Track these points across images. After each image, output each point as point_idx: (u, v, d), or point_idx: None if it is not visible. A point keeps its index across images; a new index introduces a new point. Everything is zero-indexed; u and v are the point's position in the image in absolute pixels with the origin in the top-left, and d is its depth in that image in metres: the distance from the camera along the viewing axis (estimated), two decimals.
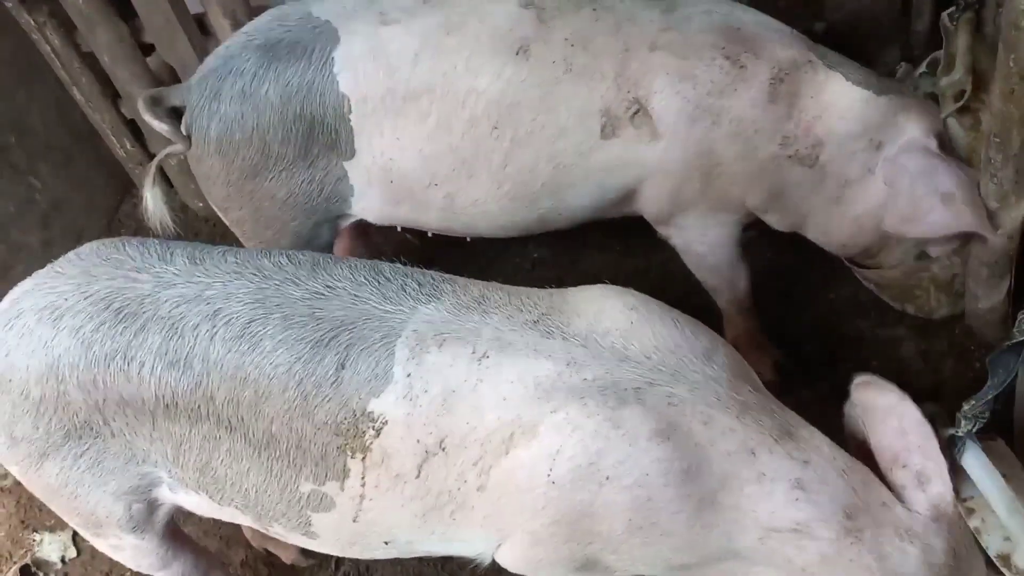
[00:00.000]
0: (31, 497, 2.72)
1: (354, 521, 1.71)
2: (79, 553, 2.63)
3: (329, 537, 1.78)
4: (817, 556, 1.56)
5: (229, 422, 1.67)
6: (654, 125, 2.12)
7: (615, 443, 1.53)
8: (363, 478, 1.65)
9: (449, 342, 1.62)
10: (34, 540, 2.68)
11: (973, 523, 1.58)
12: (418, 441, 1.60)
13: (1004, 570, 1.56)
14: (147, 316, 1.67)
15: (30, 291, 1.74)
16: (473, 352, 1.60)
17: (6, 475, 2.84)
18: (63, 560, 2.64)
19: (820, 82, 2.12)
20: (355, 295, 1.68)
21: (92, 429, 1.72)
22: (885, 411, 1.59)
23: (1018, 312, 1.87)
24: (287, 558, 2.50)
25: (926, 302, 2.44)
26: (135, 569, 2.06)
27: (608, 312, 1.66)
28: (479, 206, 2.25)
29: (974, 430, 1.65)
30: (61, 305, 1.69)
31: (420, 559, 2.44)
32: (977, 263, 2.17)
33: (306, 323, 1.65)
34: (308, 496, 1.71)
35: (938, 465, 1.55)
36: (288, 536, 1.84)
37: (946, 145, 2.15)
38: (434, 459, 1.60)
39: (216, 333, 1.65)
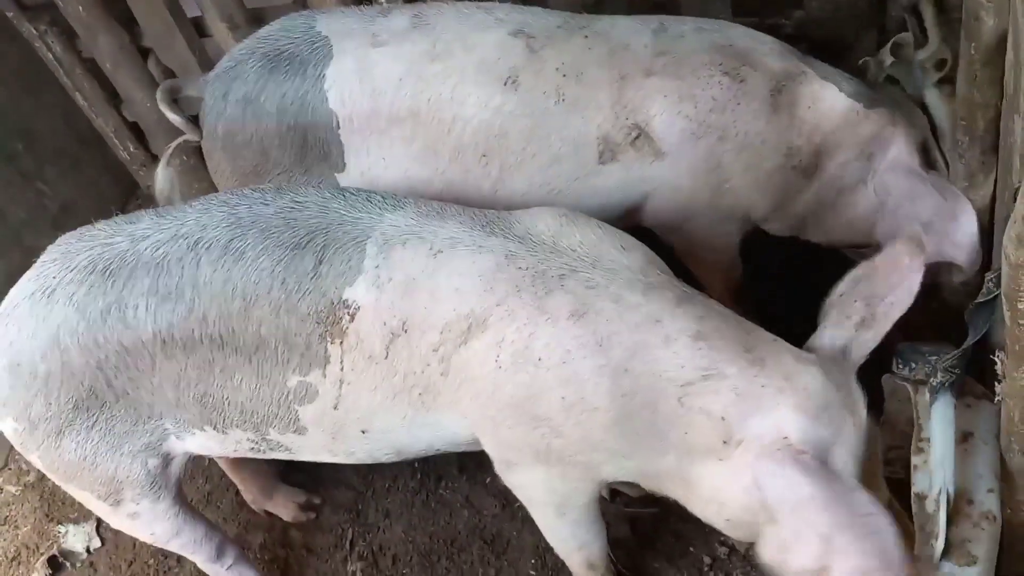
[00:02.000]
0: (54, 491, 2.85)
1: (335, 408, 1.89)
2: (103, 543, 2.74)
3: (315, 430, 1.94)
4: (732, 395, 1.67)
5: (221, 337, 1.82)
6: (657, 146, 2.15)
7: (542, 327, 1.74)
8: (341, 362, 1.83)
9: (412, 241, 1.82)
10: (59, 532, 2.79)
11: (915, 460, 1.68)
12: (384, 323, 1.80)
13: (915, 507, 1.66)
14: (131, 266, 1.82)
15: (22, 284, 1.89)
16: (430, 248, 1.81)
17: (29, 471, 2.95)
18: (88, 550, 2.74)
19: (815, 92, 2.16)
20: (324, 207, 1.87)
21: (97, 396, 1.86)
22: (901, 267, 1.72)
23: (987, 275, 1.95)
24: (287, 516, 2.63)
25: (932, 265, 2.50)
26: (149, 539, 2.16)
27: (542, 217, 1.88)
28: None
29: (948, 382, 1.73)
30: (50, 283, 1.83)
31: (430, 536, 2.56)
32: None
33: (283, 231, 1.83)
34: (295, 389, 1.87)
35: (885, 326, 1.70)
36: (283, 439, 1.98)
37: (930, 156, 2.22)
38: (398, 340, 1.80)
39: (200, 258, 1.81)
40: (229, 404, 1.91)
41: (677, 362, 1.71)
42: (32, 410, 1.86)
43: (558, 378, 1.74)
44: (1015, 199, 1.34)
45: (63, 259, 1.86)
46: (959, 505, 1.68)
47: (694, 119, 2.13)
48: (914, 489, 1.67)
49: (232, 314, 1.81)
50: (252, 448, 2.04)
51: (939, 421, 1.65)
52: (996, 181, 2.00)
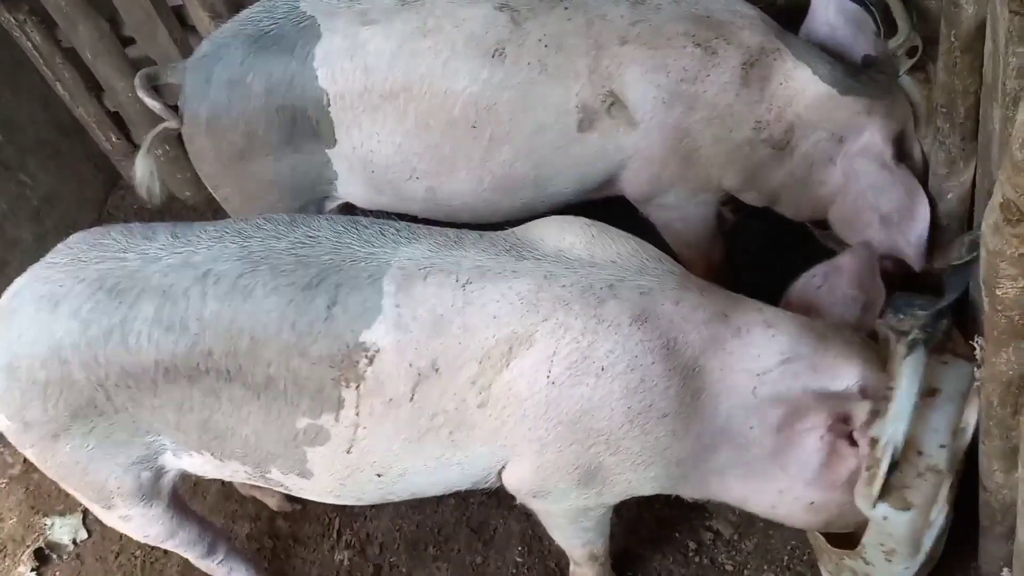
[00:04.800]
0: (40, 483, 2.84)
1: (348, 452, 1.83)
2: (90, 535, 2.73)
3: (324, 473, 1.89)
4: (809, 372, 1.75)
5: (228, 372, 1.77)
6: (630, 115, 2.20)
7: (603, 335, 1.70)
8: (357, 406, 1.77)
9: (433, 274, 1.75)
10: (45, 524, 2.78)
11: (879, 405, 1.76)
12: (410, 365, 1.73)
13: (871, 449, 1.73)
14: (139, 289, 1.76)
15: (26, 284, 1.83)
16: (457, 280, 1.74)
17: (14, 464, 2.94)
18: (75, 542, 2.74)
19: (788, 71, 2.19)
20: (337, 241, 1.80)
21: (96, 407, 1.82)
22: (870, 267, 1.99)
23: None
24: (274, 504, 2.63)
25: None
26: (143, 540, 2.16)
27: (569, 231, 1.85)
28: (460, 199, 2.33)
29: (922, 339, 1.77)
30: (57, 292, 1.78)
31: (418, 525, 2.57)
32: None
33: (294, 270, 1.76)
34: (304, 431, 1.82)
35: (877, 310, 1.95)
36: (284, 480, 1.94)
37: (905, 149, 2.25)
38: (427, 381, 1.74)
39: (207, 292, 1.75)
40: (233, 435, 1.85)
41: (753, 351, 1.74)
42: (27, 413, 1.82)
43: (624, 386, 1.71)
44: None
45: (73, 267, 1.80)
46: (908, 454, 1.75)
47: (665, 88, 2.18)
48: (871, 432, 1.73)
49: (239, 352, 1.75)
50: (248, 478, 1.99)
51: (906, 376, 1.71)
52: (976, 168, 2.01)
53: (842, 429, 1.79)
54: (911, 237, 2.17)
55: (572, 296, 1.72)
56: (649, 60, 2.17)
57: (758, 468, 1.83)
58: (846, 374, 1.75)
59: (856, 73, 2.25)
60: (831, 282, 1.98)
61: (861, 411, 1.75)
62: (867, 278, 1.98)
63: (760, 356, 1.75)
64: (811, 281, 2.00)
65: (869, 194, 2.21)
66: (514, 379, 1.72)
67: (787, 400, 1.75)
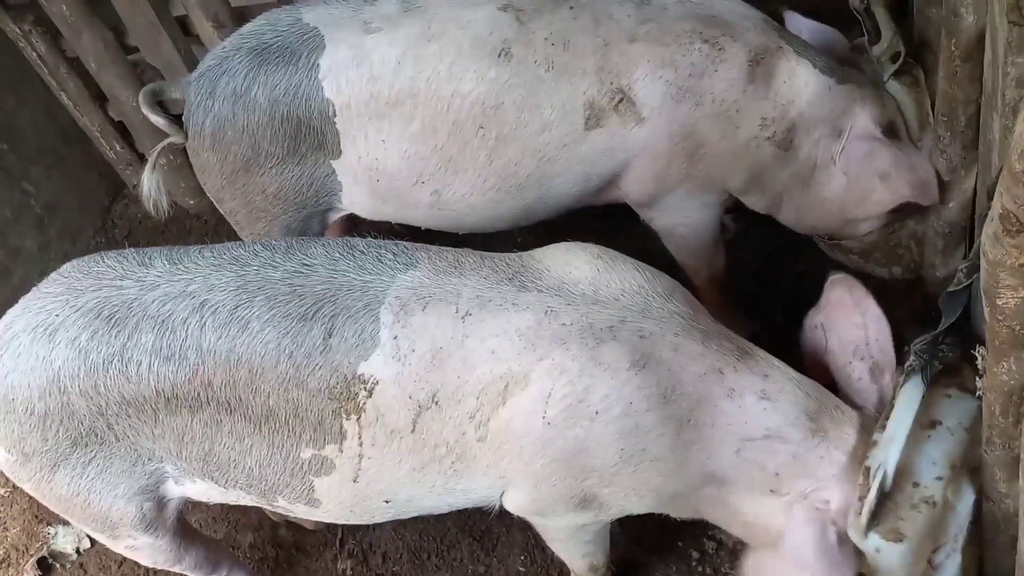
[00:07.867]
0: None
1: (354, 481, 1.82)
2: (93, 544, 2.73)
3: (331, 502, 1.88)
4: (788, 457, 1.72)
5: (228, 404, 1.76)
6: (638, 111, 2.21)
7: (599, 379, 1.68)
8: (360, 437, 1.76)
9: (432, 304, 1.73)
10: (49, 533, 2.78)
11: (876, 435, 1.73)
12: (410, 397, 1.72)
13: (861, 478, 1.71)
14: (137, 318, 1.75)
15: (21, 314, 1.81)
16: (456, 311, 1.72)
17: None
18: (78, 551, 2.74)
19: (791, 67, 2.23)
20: (333, 270, 1.78)
21: (97, 435, 1.80)
22: (850, 306, 1.79)
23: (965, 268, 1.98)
24: (309, 525, 2.61)
25: (911, 259, 2.53)
26: (151, 566, 2.17)
27: (575, 263, 1.81)
28: (466, 200, 2.33)
29: (918, 366, 1.76)
30: (53, 321, 1.76)
31: (420, 534, 2.57)
32: (933, 233, 2.28)
33: (289, 300, 1.75)
34: (309, 461, 1.81)
35: (890, 359, 1.78)
36: (292, 508, 1.94)
37: (895, 131, 2.27)
38: (427, 413, 1.72)
39: (205, 323, 1.74)
40: (236, 467, 1.84)
41: (742, 417, 1.72)
42: (26, 444, 1.81)
43: (618, 430, 1.70)
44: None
45: (68, 295, 1.78)
46: (904, 485, 1.72)
47: (674, 84, 2.19)
48: (866, 462, 1.72)
49: (238, 383, 1.74)
50: (254, 504, 1.99)
51: (901, 404, 1.70)
52: (977, 176, 2.02)
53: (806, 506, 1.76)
54: (913, 178, 2.20)
55: (571, 336, 1.70)
56: (658, 56, 2.19)
57: (731, 501, 1.84)
58: (822, 476, 1.73)
59: (847, 66, 2.32)
60: (827, 325, 1.87)
61: (836, 499, 1.73)
62: (856, 311, 1.83)
63: (747, 424, 1.72)
64: (814, 333, 1.91)
65: (865, 165, 2.25)
66: (511, 417, 1.72)
67: (764, 469, 1.75)
